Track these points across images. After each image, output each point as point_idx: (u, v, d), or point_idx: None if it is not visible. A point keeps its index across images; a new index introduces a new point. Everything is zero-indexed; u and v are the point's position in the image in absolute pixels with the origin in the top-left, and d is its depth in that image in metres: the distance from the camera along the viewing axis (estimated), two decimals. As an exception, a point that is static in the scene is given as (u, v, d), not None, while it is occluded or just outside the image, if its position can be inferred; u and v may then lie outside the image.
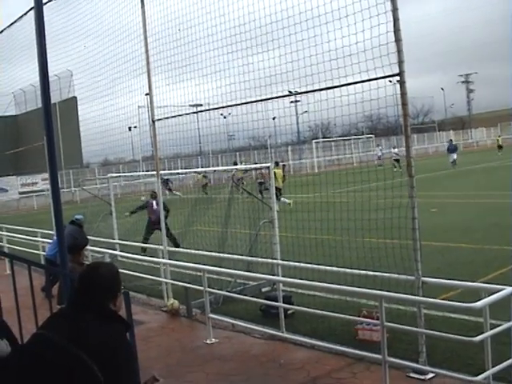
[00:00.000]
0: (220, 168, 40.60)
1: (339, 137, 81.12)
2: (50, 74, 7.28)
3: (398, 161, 49.06)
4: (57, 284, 13.57)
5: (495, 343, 7.60)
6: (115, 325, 3.59)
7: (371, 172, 10.89)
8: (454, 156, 53.39)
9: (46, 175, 7.25)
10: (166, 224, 15.18)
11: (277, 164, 32.09)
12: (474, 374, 7.48)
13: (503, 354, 7.56)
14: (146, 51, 13.11)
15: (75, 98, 47.09)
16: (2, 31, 22.49)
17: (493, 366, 7.38)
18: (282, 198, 27.47)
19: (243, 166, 39.08)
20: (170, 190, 34.52)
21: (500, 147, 67.59)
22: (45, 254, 16.37)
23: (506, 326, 7.46)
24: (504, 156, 56.75)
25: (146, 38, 13.09)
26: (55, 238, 8.41)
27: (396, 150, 57.33)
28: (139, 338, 8.80)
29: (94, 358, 3.27)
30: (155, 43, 13.17)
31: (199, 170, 37.38)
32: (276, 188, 23.81)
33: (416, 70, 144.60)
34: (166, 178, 32.57)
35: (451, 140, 64.75)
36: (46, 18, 7.05)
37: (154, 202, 19.91)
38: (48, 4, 15.97)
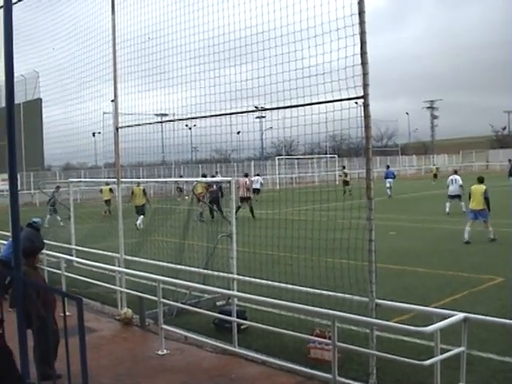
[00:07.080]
0: (182, 179, 40.45)
1: (302, 155, 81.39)
2: (16, 73, 7.21)
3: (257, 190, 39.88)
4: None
5: (445, 367, 7.69)
6: None
7: (331, 192, 10.92)
8: (387, 183, 47.16)
9: (6, 176, 7.17)
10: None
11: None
12: (423, 398, 7.56)
13: (452, 379, 7.65)
14: (114, 57, 13.07)
15: (40, 99, 46.59)
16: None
17: (441, 390, 7.46)
18: None
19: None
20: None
21: (435, 176, 65.78)
22: (-1, 256, 16.11)
23: (455, 351, 7.56)
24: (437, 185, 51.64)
25: (114, 45, 13.06)
26: (11, 239, 8.28)
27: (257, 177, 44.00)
28: (90, 345, 8.70)
29: None
30: (124, 50, 13.14)
31: (159, 180, 37.19)
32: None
33: (382, 93, 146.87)
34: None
35: (388, 166, 56.93)
36: (14, 17, 6.99)
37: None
38: (18, 4, 15.80)
